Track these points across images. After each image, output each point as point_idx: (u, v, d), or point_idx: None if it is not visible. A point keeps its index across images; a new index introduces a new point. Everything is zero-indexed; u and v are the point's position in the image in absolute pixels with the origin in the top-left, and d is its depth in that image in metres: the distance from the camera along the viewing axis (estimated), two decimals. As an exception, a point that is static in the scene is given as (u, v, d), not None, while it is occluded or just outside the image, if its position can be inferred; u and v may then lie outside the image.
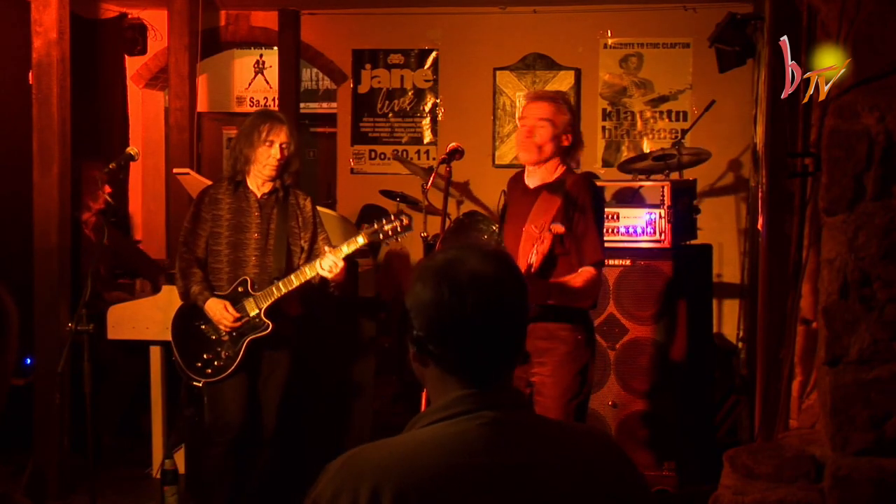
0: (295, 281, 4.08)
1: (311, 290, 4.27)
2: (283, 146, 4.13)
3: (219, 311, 4.09)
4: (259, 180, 4.19)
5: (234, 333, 4.11)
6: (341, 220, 5.43)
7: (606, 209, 4.82)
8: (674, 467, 4.74)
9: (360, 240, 4.03)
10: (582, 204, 3.59)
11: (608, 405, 4.79)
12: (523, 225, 3.58)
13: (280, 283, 4.09)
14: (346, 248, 4.04)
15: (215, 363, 4.12)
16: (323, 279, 4.10)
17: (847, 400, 2.79)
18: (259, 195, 4.20)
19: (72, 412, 4.79)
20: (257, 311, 4.11)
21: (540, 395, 3.58)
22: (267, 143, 4.11)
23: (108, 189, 5.09)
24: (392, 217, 4.08)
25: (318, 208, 4.44)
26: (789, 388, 3.40)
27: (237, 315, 4.08)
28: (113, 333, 5.07)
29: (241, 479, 4.21)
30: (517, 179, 3.84)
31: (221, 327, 4.10)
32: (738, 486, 3.00)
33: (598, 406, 4.75)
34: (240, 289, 4.13)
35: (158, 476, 4.78)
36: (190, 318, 4.20)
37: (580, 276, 3.56)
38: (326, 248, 4.07)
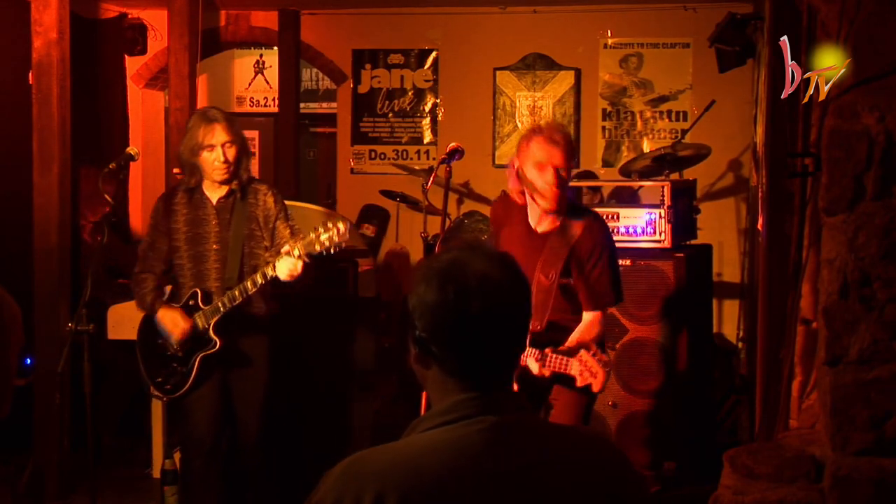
0: (238, 296, 3.85)
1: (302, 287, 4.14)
2: (226, 146, 3.86)
3: (170, 321, 3.95)
4: (213, 185, 3.98)
5: (187, 349, 3.96)
6: (327, 216, 5.37)
7: (606, 209, 4.85)
8: (674, 467, 4.74)
9: (297, 251, 3.66)
10: (595, 247, 3.56)
11: (608, 405, 4.79)
12: (532, 271, 3.50)
13: (225, 298, 3.88)
14: (289, 260, 3.70)
15: (172, 380, 4.00)
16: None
17: (847, 400, 2.79)
18: (215, 201, 3.99)
19: (72, 412, 4.80)
20: (206, 326, 3.93)
21: (555, 400, 3.64)
22: (208, 149, 3.87)
23: (107, 209, 5.08)
24: (329, 225, 3.66)
25: (302, 204, 4.28)
26: (789, 388, 3.40)
27: (189, 324, 3.91)
28: (113, 333, 5.07)
29: (233, 487, 4.15)
30: (511, 208, 3.68)
31: (173, 338, 3.94)
32: (738, 486, 2.99)
33: (598, 406, 4.72)
34: (191, 301, 3.97)
35: (158, 476, 4.78)
36: (148, 335, 4.08)
37: (591, 330, 3.60)
38: (282, 249, 3.76)
